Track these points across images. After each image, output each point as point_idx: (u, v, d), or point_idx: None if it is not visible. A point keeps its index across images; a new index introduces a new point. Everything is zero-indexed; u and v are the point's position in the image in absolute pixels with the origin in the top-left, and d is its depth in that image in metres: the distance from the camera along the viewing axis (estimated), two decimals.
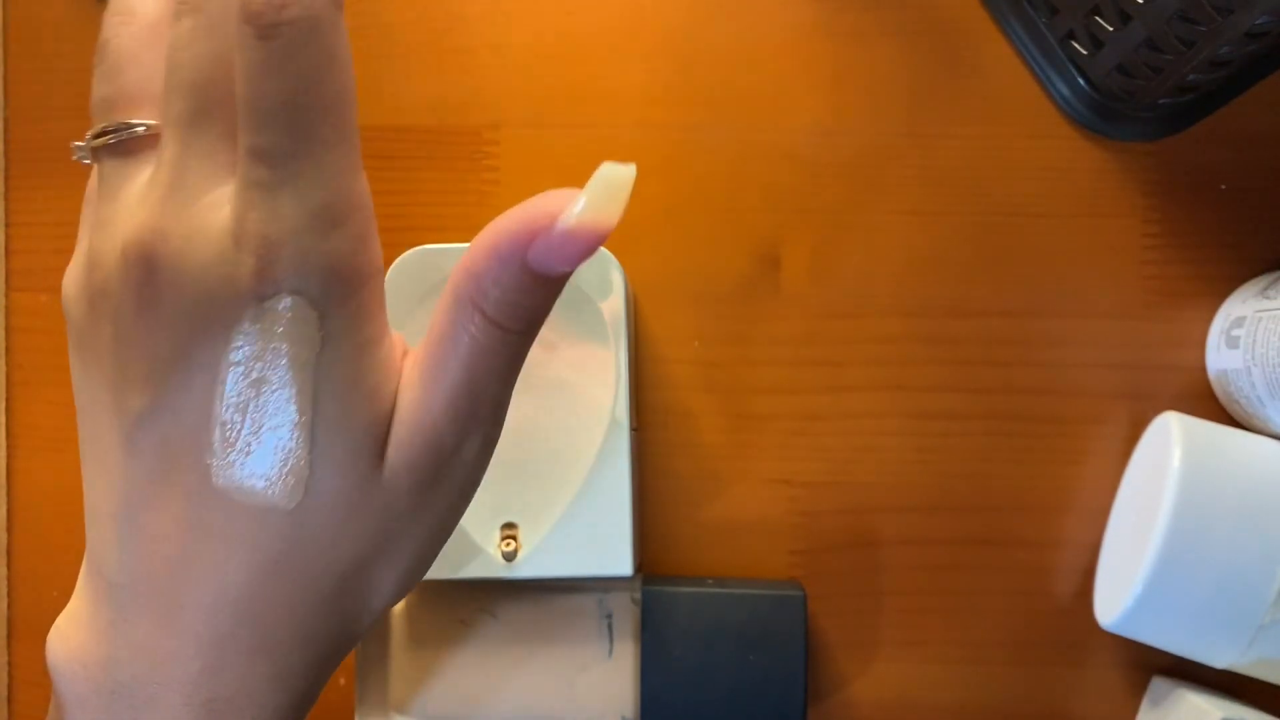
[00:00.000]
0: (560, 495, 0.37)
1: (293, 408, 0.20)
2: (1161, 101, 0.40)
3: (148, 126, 0.21)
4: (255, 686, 0.21)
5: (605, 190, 0.19)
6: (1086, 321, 0.42)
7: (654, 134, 0.43)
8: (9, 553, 0.44)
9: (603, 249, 0.37)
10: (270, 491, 0.20)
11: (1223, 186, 0.42)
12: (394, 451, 0.21)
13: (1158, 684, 0.41)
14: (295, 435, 0.20)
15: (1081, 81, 0.41)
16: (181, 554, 0.20)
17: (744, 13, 0.43)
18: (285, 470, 0.20)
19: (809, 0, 0.43)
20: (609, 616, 0.39)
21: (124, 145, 0.21)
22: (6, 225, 0.45)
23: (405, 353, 0.22)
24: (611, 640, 0.39)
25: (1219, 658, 0.37)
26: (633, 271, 0.42)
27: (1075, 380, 0.42)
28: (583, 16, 0.43)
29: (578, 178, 0.43)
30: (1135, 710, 0.42)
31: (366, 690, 0.39)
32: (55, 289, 0.44)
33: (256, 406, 0.20)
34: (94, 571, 0.22)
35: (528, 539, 0.37)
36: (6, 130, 0.44)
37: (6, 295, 0.44)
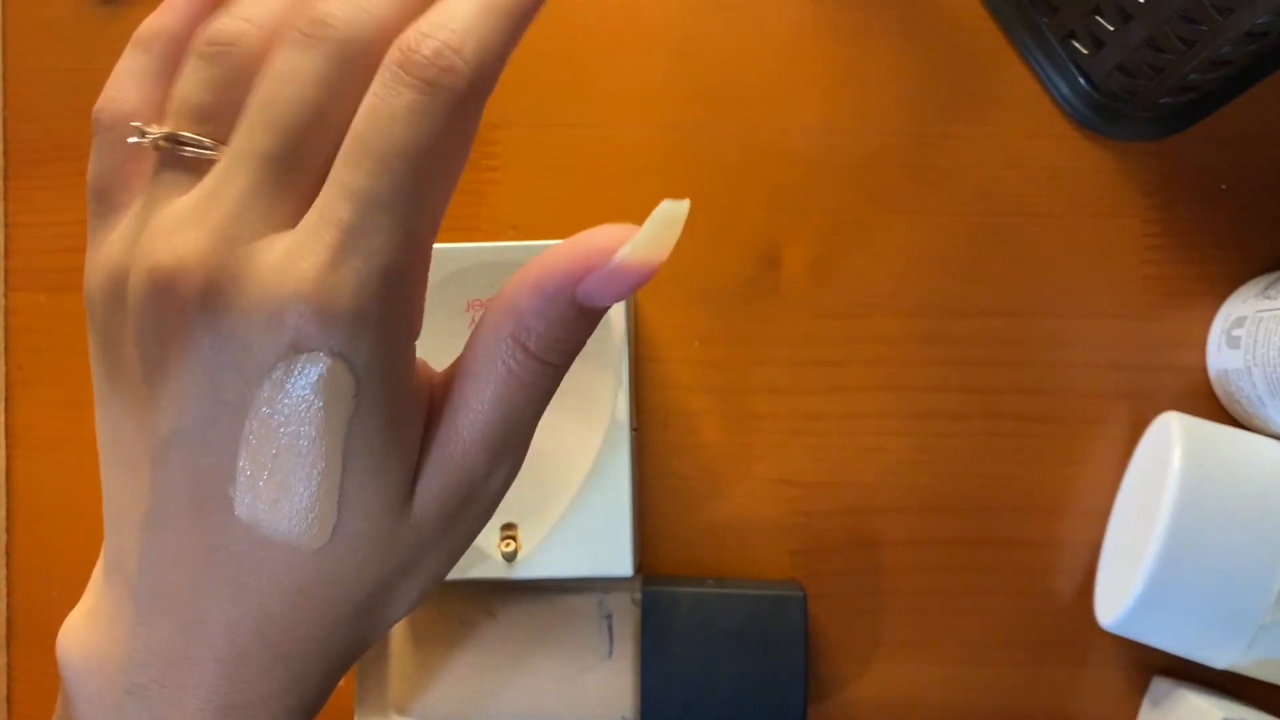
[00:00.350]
0: (560, 495, 0.37)
1: (320, 464, 0.20)
2: (1162, 101, 0.40)
3: (218, 147, 0.21)
4: (272, 695, 0.21)
5: (665, 225, 0.19)
6: (1087, 321, 0.42)
7: (654, 134, 0.43)
8: (9, 553, 0.44)
9: None
10: (294, 534, 0.20)
11: (1223, 186, 0.42)
12: (424, 487, 0.21)
13: (1158, 684, 0.41)
14: (322, 488, 0.20)
15: (1082, 81, 0.41)
16: (204, 574, 0.21)
17: (744, 12, 0.43)
18: (311, 517, 0.20)
19: (809, 0, 0.43)
20: (609, 617, 0.39)
21: (197, 162, 0.21)
22: (6, 225, 0.45)
23: (429, 381, 0.22)
24: (611, 640, 0.39)
25: (1219, 658, 0.37)
26: None
27: (1076, 380, 0.42)
28: (583, 17, 0.43)
29: (578, 177, 0.43)
30: (1136, 710, 0.42)
31: (366, 690, 0.39)
32: (55, 289, 0.44)
33: (283, 456, 0.20)
34: (114, 572, 0.22)
35: (528, 539, 0.37)
36: (6, 130, 0.44)
37: (6, 295, 0.44)
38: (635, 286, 0.20)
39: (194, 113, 0.21)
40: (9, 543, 0.44)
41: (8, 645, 0.44)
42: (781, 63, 0.43)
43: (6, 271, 0.44)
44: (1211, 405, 0.41)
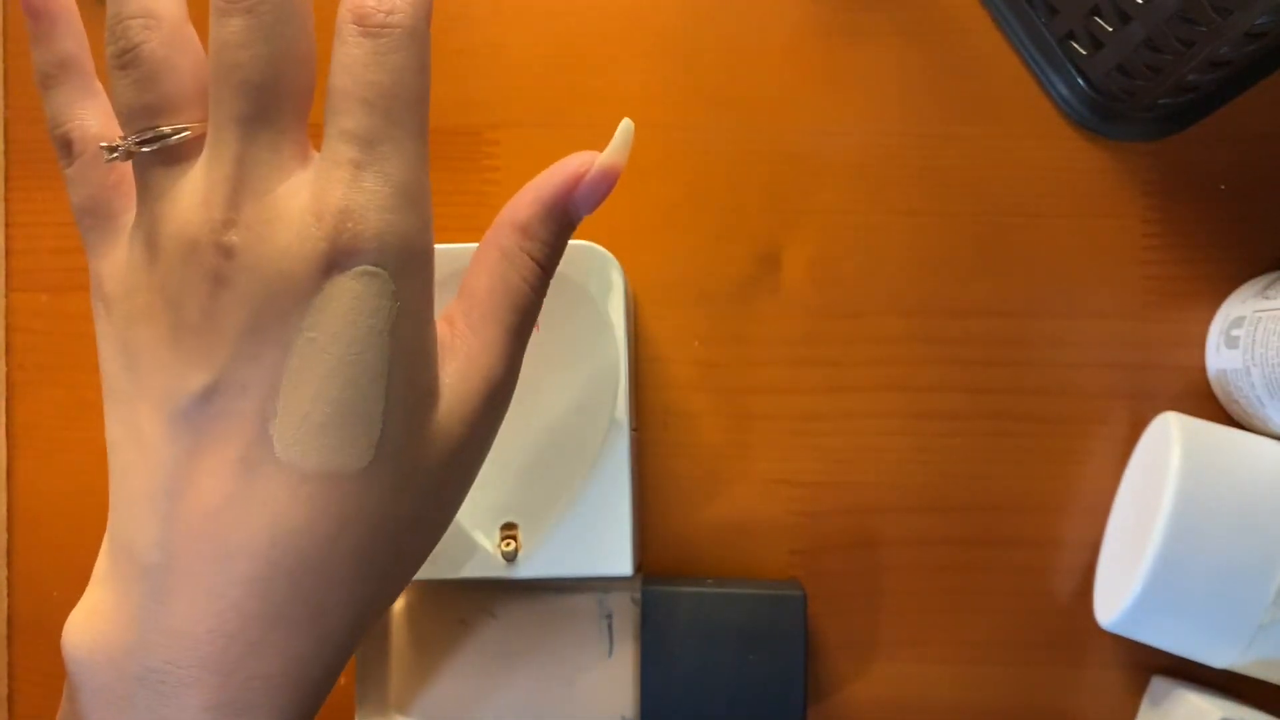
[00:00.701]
0: (560, 495, 0.37)
1: (367, 375, 0.21)
2: (1161, 101, 0.40)
3: (191, 129, 0.22)
4: (299, 659, 0.21)
5: (623, 138, 0.26)
6: (1086, 321, 0.42)
7: (654, 134, 0.43)
8: (9, 553, 0.44)
9: (602, 249, 0.37)
10: (341, 456, 0.21)
11: (1222, 186, 0.42)
12: (450, 403, 0.23)
13: (1157, 684, 0.41)
14: (368, 400, 0.21)
15: (1081, 81, 0.41)
16: (231, 533, 0.21)
17: (744, 13, 0.43)
18: (357, 434, 0.21)
19: (809, 0, 0.43)
20: (609, 616, 0.39)
21: (172, 151, 0.22)
22: (6, 225, 0.45)
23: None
24: (611, 640, 0.39)
25: (1219, 658, 0.37)
26: (633, 271, 0.42)
27: (1075, 380, 0.42)
28: (583, 17, 0.43)
29: None
30: (1135, 710, 0.42)
31: (366, 690, 0.39)
32: (55, 289, 0.44)
33: (330, 377, 0.21)
34: (121, 559, 0.22)
35: (528, 539, 0.37)
36: (6, 130, 0.44)
37: (6, 295, 0.44)
38: (608, 191, 0.25)
39: (144, 111, 0.22)
40: (9, 543, 0.44)
41: (8, 645, 0.44)
42: (781, 63, 0.43)
43: (6, 271, 0.44)
44: (1211, 405, 0.42)
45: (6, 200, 0.44)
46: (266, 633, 0.21)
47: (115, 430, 0.22)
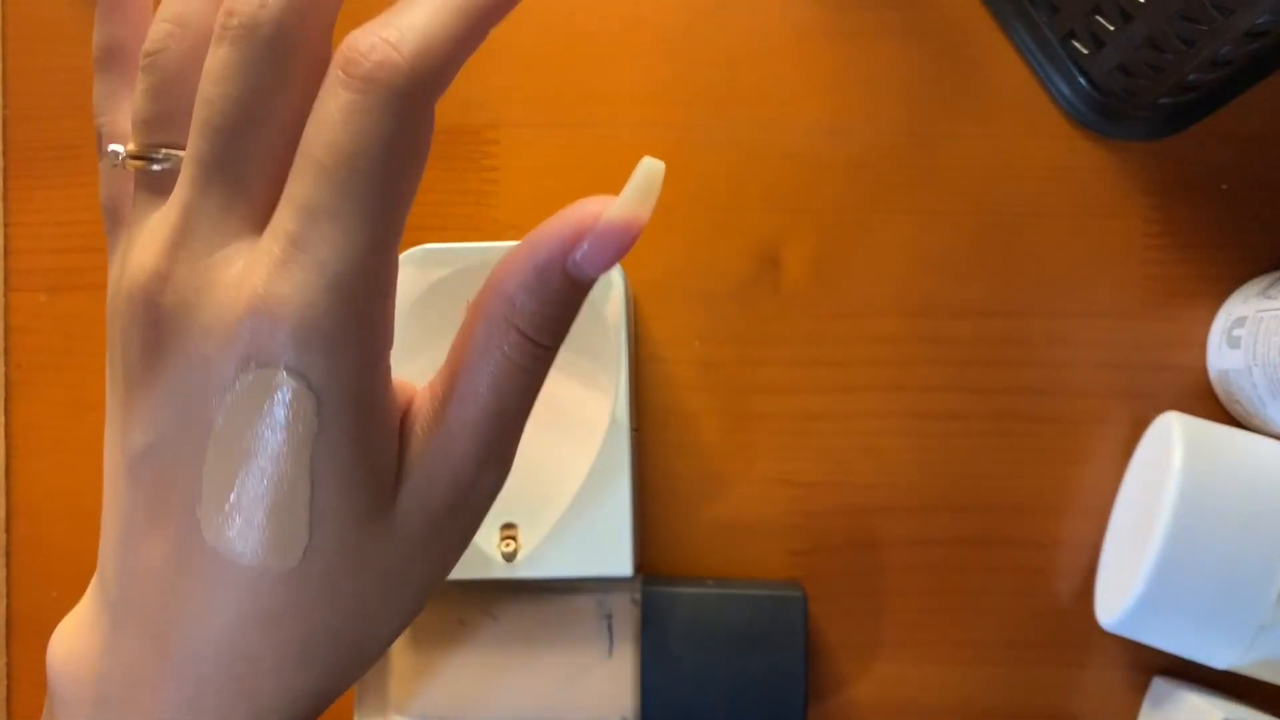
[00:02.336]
0: (560, 495, 0.37)
1: (287, 482, 0.19)
2: (1162, 101, 0.40)
3: (176, 159, 0.20)
4: None
5: (646, 181, 0.19)
6: (1087, 321, 0.42)
7: (654, 134, 0.43)
8: (9, 553, 0.44)
9: None
10: (262, 556, 0.19)
11: (1224, 186, 0.42)
12: (409, 494, 0.20)
13: (1158, 684, 0.41)
14: (290, 507, 0.19)
15: (1082, 81, 0.41)
16: (171, 592, 0.20)
17: (744, 13, 0.43)
18: (279, 536, 0.19)
19: (809, 0, 0.43)
20: (609, 617, 0.39)
21: (154, 177, 0.21)
22: (6, 225, 0.45)
23: (407, 394, 0.22)
24: (611, 640, 0.39)
25: (1220, 658, 0.37)
26: (633, 272, 0.42)
27: (1076, 380, 0.42)
28: (583, 16, 0.43)
29: (578, 177, 0.43)
30: (1136, 711, 0.42)
31: (366, 690, 0.39)
32: (55, 289, 0.44)
33: (248, 474, 0.19)
34: (99, 581, 0.22)
35: (528, 539, 0.37)
36: (6, 130, 0.44)
37: (6, 295, 0.44)
38: (623, 249, 0.20)
39: (144, 126, 0.21)
40: (9, 543, 0.44)
41: (7, 645, 0.44)
42: (782, 63, 0.43)
43: (6, 271, 0.44)
44: (1212, 405, 0.41)
45: (6, 200, 0.44)
46: (201, 697, 0.20)
47: (106, 451, 0.22)
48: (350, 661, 0.21)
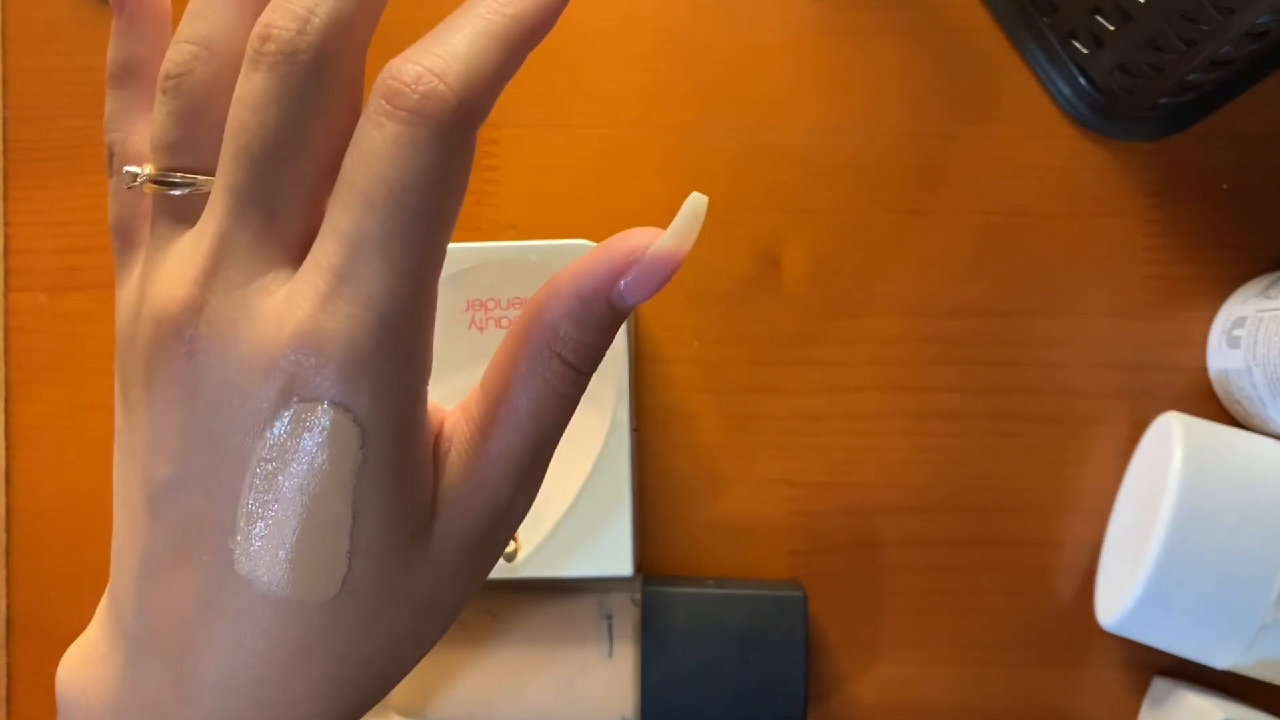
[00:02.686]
0: (560, 495, 0.37)
1: (327, 520, 0.19)
2: (1162, 101, 0.40)
3: (201, 184, 0.20)
4: None
5: (692, 215, 0.21)
6: (1087, 321, 0.42)
7: (654, 134, 0.43)
8: (9, 553, 0.44)
9: None
10: (300, 588, 0.19)
11: (1224, 186, 0.42)
12: (445, 521, 0.21)
13: (1158, 684, 0.41)
14: (330, 539, 0.19)
15: (1082, 81, 0.41)
16: (197, 629, 0.20)
17: (744, 12, 0.43)
18: (318, 569, 0.19)
19: (809, 0, 0.43)
20: (609, 617, 0.39)
21: (177, 203, 0.20)
22: (6, 225, 0.45)
23: (439, 420, 0.22)
24: (611, 641, 0.39)
25: (1220, 658, 0.37)
26: None
27: (1076, 380, 0.42)
28: (583, 16, 0.43)
29: (578, 178, 0.43)
30: (1136, 711, 0.42)
31: None
32: (55, 289, 0.44)
33: (288, 507, 0.19)
34: (112, 611, 0.21)
35: (528, 539, 0.37)
36: (6, 130, 0.44)
37: (6, 295, 0.44)
38: (666, 279, 0.20)
39: (166, 150, 0.20)
40: (9, 543, 0.44)
41: (7, 645, 0.44)
42: (782, 63, 0.43)
43: (6, 271, 0.44)
44: (1212, 405, 0.41)
45: (6, 200, 0.44)
46: None
47: (116, 473, 0.21)
48: (378, 687, 0.21)
